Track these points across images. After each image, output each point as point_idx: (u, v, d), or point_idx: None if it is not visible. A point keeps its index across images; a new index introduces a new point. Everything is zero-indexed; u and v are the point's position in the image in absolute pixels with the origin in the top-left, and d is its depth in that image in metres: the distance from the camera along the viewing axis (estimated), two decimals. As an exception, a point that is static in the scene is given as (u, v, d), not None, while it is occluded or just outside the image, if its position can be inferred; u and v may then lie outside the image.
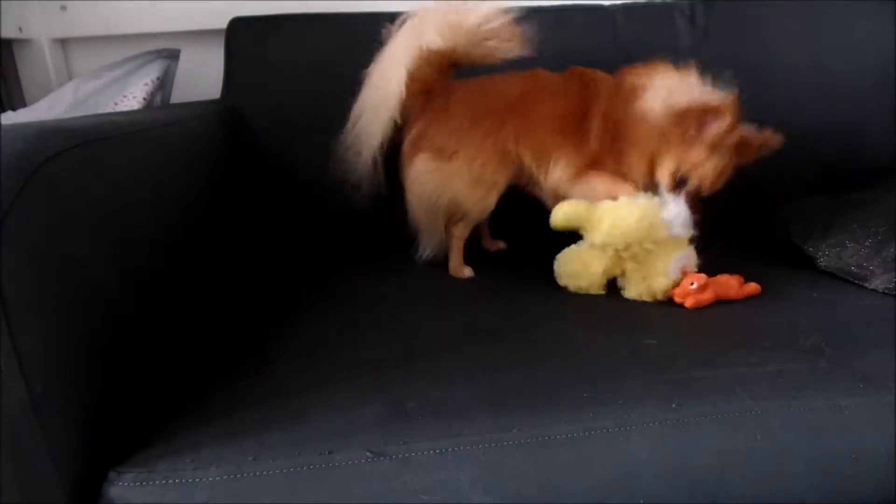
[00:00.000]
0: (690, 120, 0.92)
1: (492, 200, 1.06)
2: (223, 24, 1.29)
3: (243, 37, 1.28)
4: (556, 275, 1.00)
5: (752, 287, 0.94)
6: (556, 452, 0.62)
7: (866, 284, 0.95)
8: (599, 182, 1.01)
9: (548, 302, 0.96)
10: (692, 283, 0.91)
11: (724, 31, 1.35)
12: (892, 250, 0.98)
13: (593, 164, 1.01)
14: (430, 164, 1.03)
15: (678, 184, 0.97)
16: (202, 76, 1.40)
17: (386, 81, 1.02)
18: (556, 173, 1.03)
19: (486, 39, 1.02)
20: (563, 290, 0.99)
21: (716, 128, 0.91)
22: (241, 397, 0.69)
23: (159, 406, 0.68)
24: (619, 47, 1.32)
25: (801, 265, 1.06)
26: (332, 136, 1.11)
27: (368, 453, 0.60)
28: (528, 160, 1.04)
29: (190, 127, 1.06)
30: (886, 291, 0.91)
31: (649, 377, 0.70)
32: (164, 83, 1.36)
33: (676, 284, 0.93)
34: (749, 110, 1.34)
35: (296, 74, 1.25)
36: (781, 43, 1.36)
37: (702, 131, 0.93)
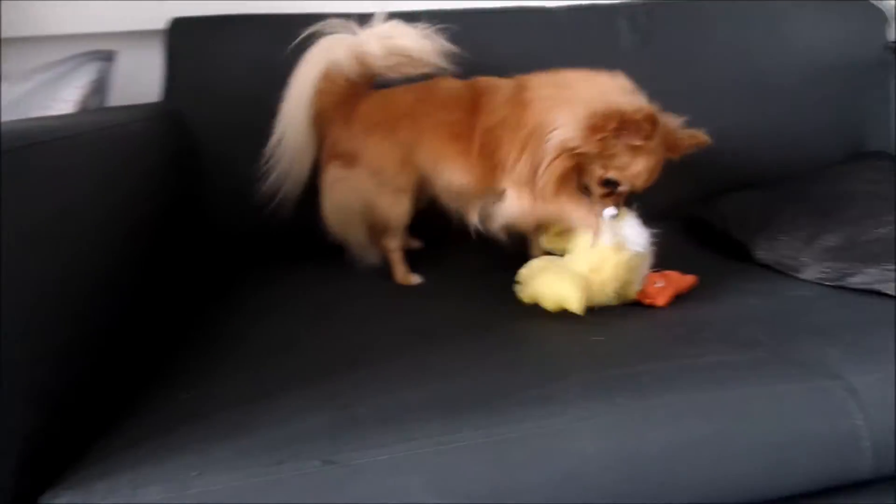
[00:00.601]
0: (606, 129, 0.89)
1: (404, 206, 1.06)
2: (162, 25, 1.25)
3: (184, 38, 1.24)
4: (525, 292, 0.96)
5: (692, 278, 0.97)
6: (506, 451, 0.62)
7: (799, 275, 0.98)
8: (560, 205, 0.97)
9: (495, 303, 0.96)
10: (657, 283, 0.93)
11: (665, 33, 1.39)
12: (822, 242, 1.02)
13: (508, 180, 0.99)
14: (339, 171, 1.06)
15: (608, 187, 0.96)
16: (141, 79, 1.36)
17: (297, 98, 1.07)
18: (454, 181, 1.03)
19: (395, 59, 1.06)
20: (510, 291, 0.97)
21: (633, 135, 0.90)
22: (183, 410, 0.68)
23: (97, 423, 0.65)
24: (562, 49, 1.34)
25: (738, 258, 1.09)
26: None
27: (318, 462, 0.59)
28: (424, 167, 1.05)
29: (128, 131, 1.03)
30: (818, 281, 0.96)
31: (597, 373, 0.71)
32: (100, 86, 1.31)
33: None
34: (687, 109, 1.39)
35: (239, 77, 1.22)
36: (718, 44, 1.41)
37: (620, 138, 0.90)
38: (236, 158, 1.15)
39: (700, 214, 1.24)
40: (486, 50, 1.34)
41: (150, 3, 1.34)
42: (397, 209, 1.06)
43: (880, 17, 1.46)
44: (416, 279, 1.08)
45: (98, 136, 0.87)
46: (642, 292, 0.94)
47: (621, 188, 0.95)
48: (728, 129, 1.39)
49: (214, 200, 1.22)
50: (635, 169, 0.93)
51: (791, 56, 1.42)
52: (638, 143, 0.90)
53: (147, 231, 0.96)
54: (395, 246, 1.09)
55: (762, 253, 1.06)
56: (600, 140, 0.89)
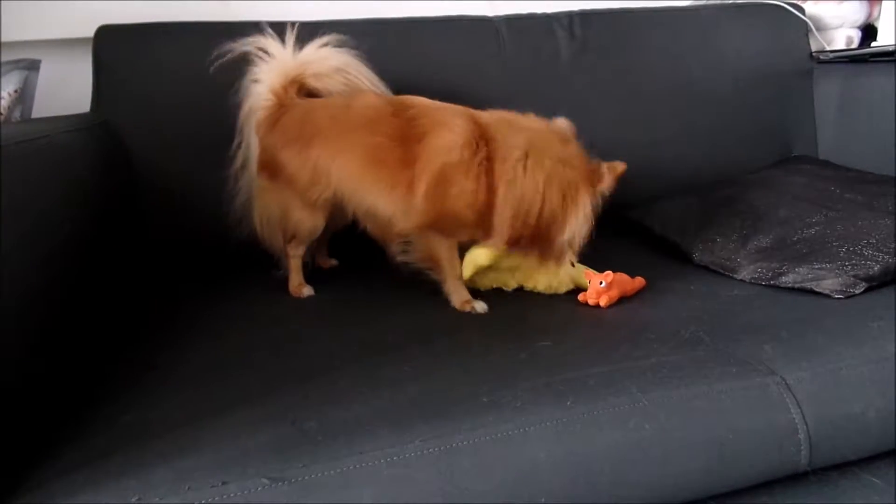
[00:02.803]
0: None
1: (315, 222, 1.05)
2: (90, 33, 1.21)
3: (112, 46, 1.20)
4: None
5: (640, 281, 0.99)
6: (457, 460, 0.62)
7: (735, 276, 1.02)
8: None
9: (443, 314, 0.96)
10: (601, 283, 0.94)
11: (601, 42, 1.42)
12: (755, 243, 1.06)
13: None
14: (265, 182, 1.06)
15: None
16: (68, 88, 1.30)
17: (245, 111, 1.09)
18: (379, 210, 1.00)
19: (331, 80, 1.08)
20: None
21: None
22: (123, 433, 0.65)
23: (30, 450, 0.62)
24: (504, 58, 1.36)
25: (677, 260, 1.13)
26: (211, 150, 1.07)
27: (265, 480, 0.57)
28: (340, 188, 1.02)
29: (54, 143, 0.98)
30: (752, 281, 0.99)
31: (545, 378, 0.72)
32: (24, 96, 1.26)
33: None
34: (623, 115, 1.43)
35: (171, 85, 1.19)
36: (652, 52, 1.45)
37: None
38: (170, 169, 1.11)
39: (638, 218, 1.28)
40: (427, 60, 1.34)
41: (77, 10, 1.29)
42: (308, 224, 1.05)
43: (804, 27, 1.54)
44: (307, 291, 1.07)
45: (19, 148, 0.83)
46: (585, 293, 0.96)
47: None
48: (662, 134, 1.45)
49: (150, 212, 1.19)
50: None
51: (721, 64, 1.48)
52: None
53: (77, 246, 0.92)
54: (296, 253, 1.08)
55: (699, 255, 1.10)
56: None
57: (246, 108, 1.09)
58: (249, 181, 1.10)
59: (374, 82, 1.11)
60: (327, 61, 1.08)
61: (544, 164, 0.94)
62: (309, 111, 1.06)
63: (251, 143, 1.09)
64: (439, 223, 0.97)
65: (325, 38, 1.09)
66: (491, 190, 0.95)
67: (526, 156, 0.95)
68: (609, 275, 0.95)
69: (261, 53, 1.08)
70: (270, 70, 1.08)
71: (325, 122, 1.03)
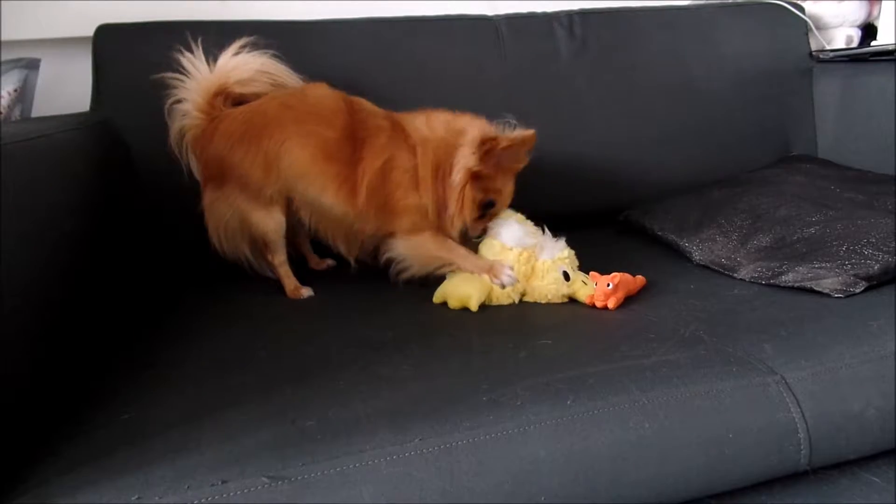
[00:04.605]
0: (496, 150, 0.99)
1: (277, 218, 1.05)
2: (89, 32, 1.20)
3: (112, 45, 1.20)
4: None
5: (642, 279, 0.99)
6: (457, 459, 0.62)
7: (735, 275, 1.02)
8: (432, 244, 1.04)
9: (442, 312, 0.96)
10: (608, 284, 0.93)
11: (601, 41, 1.42)
12: (755, 243, 1.06)
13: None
14: (212, 193, 1.06)
15: (484, 209, 1.05)
16: (68, 87, 1.30)
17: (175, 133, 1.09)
18: (325, 202, 1.03)
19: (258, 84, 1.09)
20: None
21: (514, 159, 1.02)
22: (123, 432, 0.65)
23: (32, 449, 0.62)
24: (504, 58, 1.36)
25: (677, 260, 1.13)
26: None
27: (265, 479, 0.58)
28: (287, 176, 1.02)
29: (54, 142, 0.98)
30: (752, 280, 0.99)
31: (545, 376, 0.72)
32: (24, 95, 1.26)
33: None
34: (623, 114, 1.43)
35: (171, 84, 1.19)
36: (651, 51, 1.45)
37: (503, 161, 1.01)
38: (172, 168, 1.11)
39: (638, 218, 1.28)
40: (427, 59, 1.35)
41: (77, 9, 1.29)
42: (270, 222, 1.04)
43: (804, 26, 1.54)
44: (307, 292, 1.07)
45: (19, 147, 0.83)
46: (593, 295, 0.95)
47: (494, 209, 1.05)
48: (662, 134, 1.45)
49: (150, 211, 1.18)
50: (508, 190, 1.05)
51: (721, 63, 1.48)
52: (519, 165, 1.02)
53: (76, 245, 0.92)
54: (279, 260, 1.07)
55: (699, 254, 1.10)
56: (491, 162, 0.99)
57: (176, 129, 1.08)
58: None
59: (295, 80, 1.11)
60: (247, 65, 1.07)
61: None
62: (251, 109, 1.05)
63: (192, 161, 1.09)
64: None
65: (236, 45, 1.08)
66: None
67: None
68: (616, 276, 0.94)
69: (179, 73, 1.07)
70: (191, 89, 1.06)
71: (276, 110, 1.04)
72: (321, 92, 1.07)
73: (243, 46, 1.08)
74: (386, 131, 1.05)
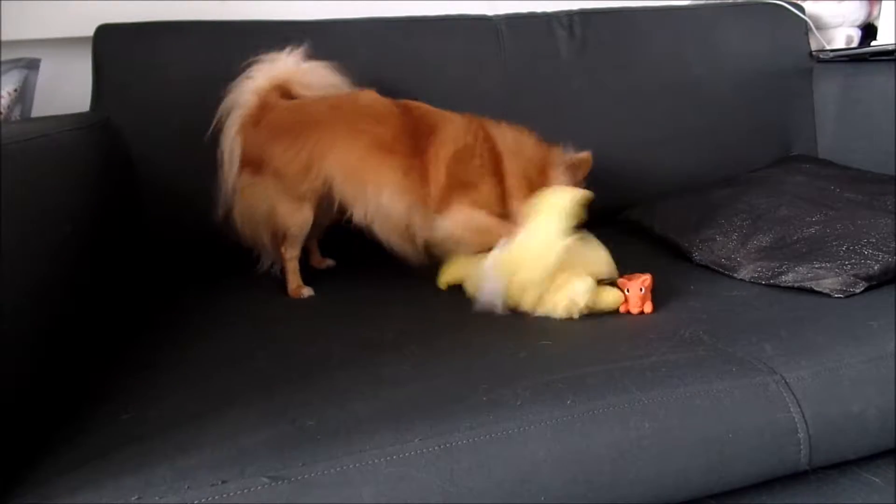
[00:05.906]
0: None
1: (304, 214, 1.05)
2: (89, 32, 1.21)
3: (112, 45, 1.20)
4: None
5: (649, 275, 0.96)
6: (457, 459, 0.62)
7: (735, 275, 1.02)
8: (477, 216, 1.04)
9: (443, 313, 0.96)
10: (641, 289, 0.90)
11: (601, 41, 1.42)
12: (755, 243, 1.06)
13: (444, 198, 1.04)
14: (248, 178, 1.06)
15: None
16: (68, 87, 1.30)
17: (231, 114, 1.09)
18: (383, 199, 1.03)
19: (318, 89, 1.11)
20: (456, 301, 0.98)
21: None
22: (123, 432, 0.65)
23: (32, 449, 0.62)
24: (504, 58, 1.36)
25: (677, 260, 1.13)
26: (211, 149, 1.07)
27: (265, 479, 0.57)
28: (333, 175, 1.03)
29: (54, 142, 0.98)
30: (752, 280, 0.99)
31: (545, 377, 0.72)
32: (24, 95, 1.26)
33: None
34: (623, 114, 1.43)
35: (171, 84, 1.19)
36: (652, 51, 1.45)
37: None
38: (172, 168, 1.12)
39: (637, 218, 1.28)
40: (427, 59, 1.35)
41: (77, 9, 1.29)
42: (297, 217, 1.05)
43: (804, 26, 1.54)
44: (307, 292, 1.07)
45: (19, 147, 0.83)
46: (627, 302, 0.91)
47: None
48: (662, 133, 1.45)
49: (152, 211, 1.18)
50: None
51: (721, 63, 1.48)
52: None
53: (76, 245, 0.92)
54: (291, 255, 1.07)
55: (699, 254, 1.10)
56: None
57: (230, 99, 1.08)
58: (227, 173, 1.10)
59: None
60: (325, 78, 1.10)
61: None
62: (301, 106, 1.07)
63: (230, 136, 1.08)
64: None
65: (304, 48, 1.11)
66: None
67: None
68: (647, 279, 0.91)
69: (266, 56, 1.09)
70: (267, 70, 1.08)
71: (324, 112, 1.05)
72: (372, 96, 1.08)
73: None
74: (457, 122, 1.06)
